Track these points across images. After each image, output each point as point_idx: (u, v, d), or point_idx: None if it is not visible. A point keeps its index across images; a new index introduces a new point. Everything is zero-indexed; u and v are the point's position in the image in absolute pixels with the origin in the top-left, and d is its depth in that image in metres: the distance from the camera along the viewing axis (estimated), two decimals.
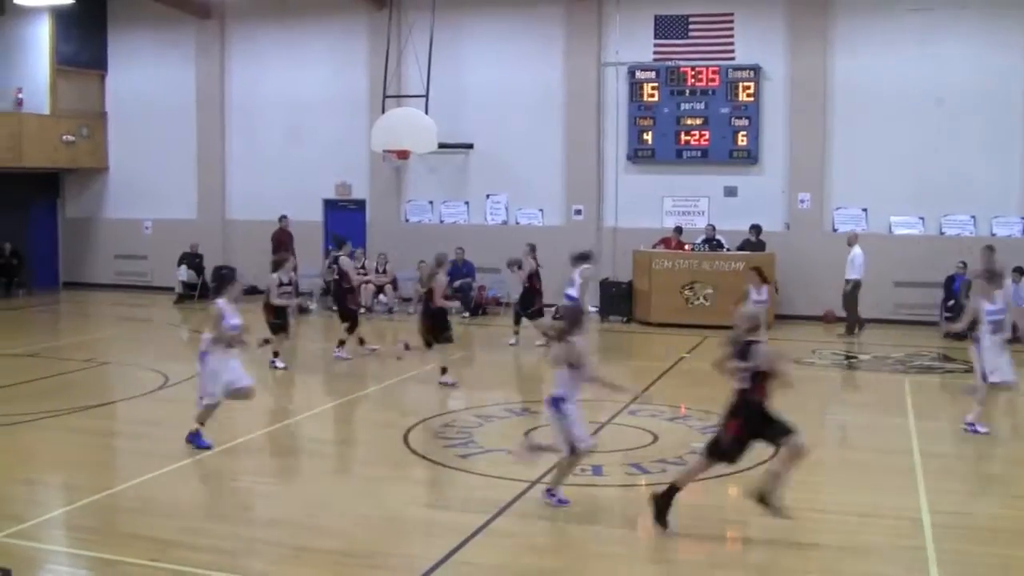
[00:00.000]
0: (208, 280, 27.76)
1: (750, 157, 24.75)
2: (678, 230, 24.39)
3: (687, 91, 25.09)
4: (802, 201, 24.51)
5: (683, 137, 25.19)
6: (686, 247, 23.87)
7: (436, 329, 16.14)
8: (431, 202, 27.49)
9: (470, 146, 26.56)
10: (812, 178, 24.41)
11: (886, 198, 23.91)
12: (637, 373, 18.11)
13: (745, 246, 23.70)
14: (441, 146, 25.22)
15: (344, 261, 19.76)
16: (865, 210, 24.22)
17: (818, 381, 17.99)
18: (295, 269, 20.66)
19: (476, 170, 26.85)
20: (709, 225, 24.46)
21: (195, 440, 12.04)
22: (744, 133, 24.73)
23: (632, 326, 23.84)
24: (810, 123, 24.29)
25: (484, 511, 9.74)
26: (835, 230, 23.96)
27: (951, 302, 22.23)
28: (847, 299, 22.37)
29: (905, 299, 23.54)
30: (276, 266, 17.87)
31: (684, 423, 13.87)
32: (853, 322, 22.25)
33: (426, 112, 25.16)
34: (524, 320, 20.59)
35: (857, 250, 22.28)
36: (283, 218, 26.64)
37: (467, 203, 27.18)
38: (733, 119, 24.77)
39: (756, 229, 23.79)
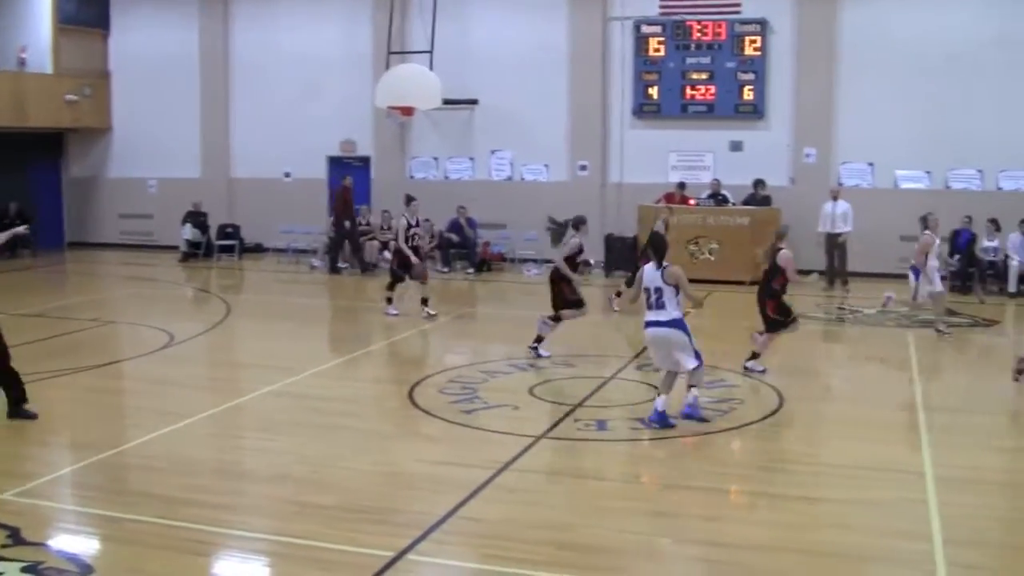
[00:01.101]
0: (213, 238, 27.79)
1: (756, 112, 24.64)
2: (681, 185, 24.30)
3: (693, 45, 24.95)
4: (808, 156, 24.41)
5: (688, 92, 25.07)
6: (690, 202, 23.81)
7: (781, 310, 14.27)
8: (436, 158, 27.42)
9: (475, 102, 26.46)
10: (818, 133, 24.29)
11: (892, 152, 23.81)
12: (641, 328, 18.11)
13: (750, 201, 23.64)
14: (446, 102, 25.10)
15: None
16: (871, 164, 24.14)
17: (822, 335, 18.04)
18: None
19: (481, 126, 26.76)
20: (714, 180, 24.38)
21: (694, 413, 11.41)
22: (750, 87, 24.60)
23: None
24: (817, 77, 24.13)
25: (489, 466, 9.76)
26: (841, 184, 23.83)
27: (956, 256, 22.22)
28: (844, 252, 22.50)
29: (910, 253, 23.41)
30: (577, 226, 15.59)
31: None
32: (846, 276, 22.42)
33: (431, 68, 25.04)
34: None
35: (847, 204, 22.43)
36: (347, 177, 26.16)
37: (472, 159, 27.11)
38: (739, 73, 24.64)
39: (760, 184, 23.73)
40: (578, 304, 15.20)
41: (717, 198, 23.89)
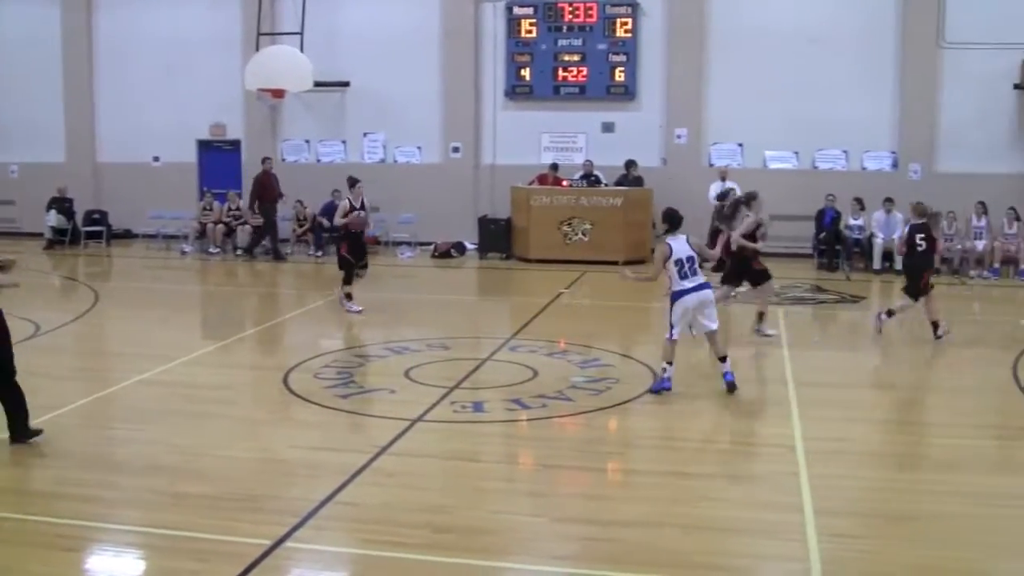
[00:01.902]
0: (79, 225, 27.09)
1: (627, 93, 24.90)
2: (553, 167, 24.48)
3: (565, 27, 25.10)
4: (679, 136, 24.76)
5: (561, 73, 25.24)
6: (564, 183, 23.97)
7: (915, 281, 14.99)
8: (307, 141, 27.15)
9: (346, 84, 26.26)
10: (689, 114, 24.67)
11: (761, 133, 24.31)
12: (516, 309, 18.20)
13: (622, 181, 23.90)
14: (317, 84, 24.89)
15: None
16: (741, 145, 24.61)
17: None
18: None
19: (353, 108, 26.56)
20: (587, 161, 24.60)
21: (734, 380, 11.94)
22: (621, 69, 24.85)
23: (511, 263, 23.93)
24: (687, 59, 24.49)
25: (366, 451, 9.72)
26: (711, 165, 24.26)
27: (822, 234, 22.78)
28: None
29: (779, 232, 23.83)
30: (748, 203, 15.42)
31: (563, 358, 14.00)
32: None
33: (301, 50, 24.78)
34: None
35: (733, 183, 22.74)
36: (266, 160, 25.30)
37: (344, 142, 26.91)
38: (610, 55, 24.89)
39: (632, 164, 23.99)
40: (766, 274, 15.51)
41: (590, 179, 24.11)
